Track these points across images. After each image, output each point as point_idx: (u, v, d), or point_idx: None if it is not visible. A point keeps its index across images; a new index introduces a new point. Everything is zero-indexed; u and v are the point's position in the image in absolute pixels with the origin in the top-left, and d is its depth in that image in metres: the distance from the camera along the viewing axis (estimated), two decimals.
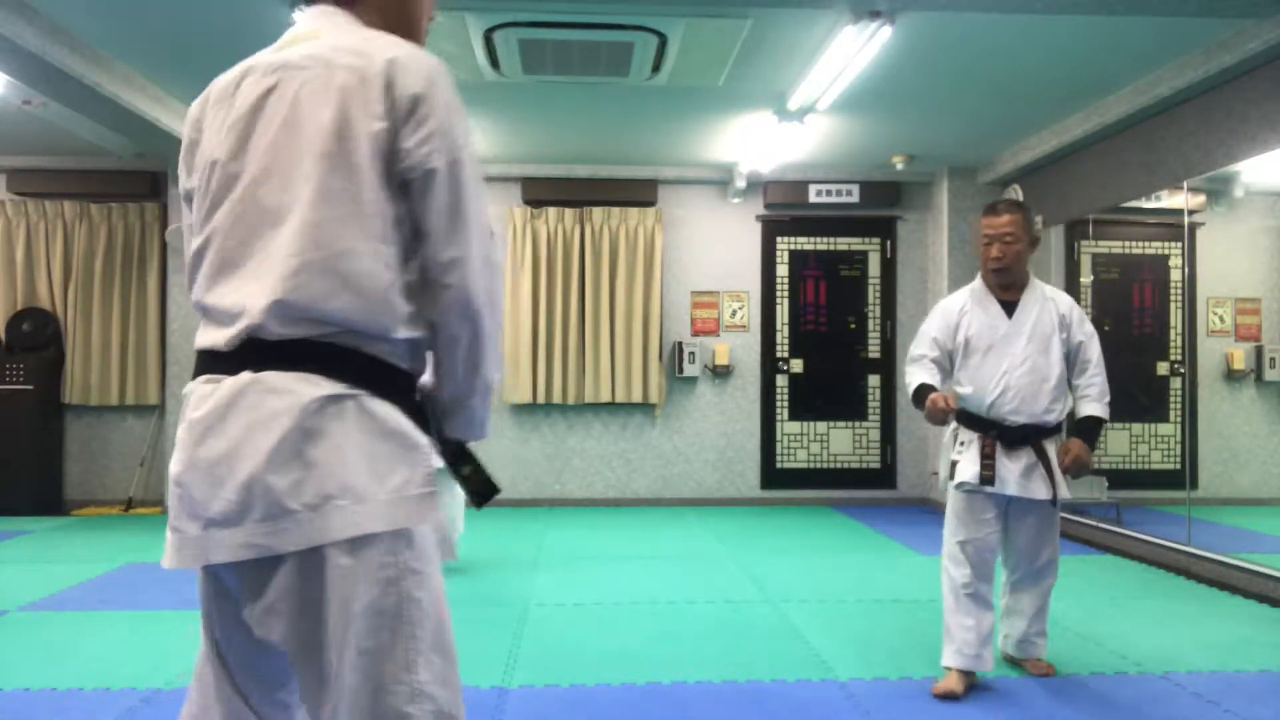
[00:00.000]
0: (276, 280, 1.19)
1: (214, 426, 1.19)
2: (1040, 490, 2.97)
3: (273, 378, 1.19)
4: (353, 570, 1.16)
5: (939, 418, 2.91)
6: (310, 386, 1.18)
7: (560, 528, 6.24)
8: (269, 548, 1.15)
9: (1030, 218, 3.09)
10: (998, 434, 3.00)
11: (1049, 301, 3.07)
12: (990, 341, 3.04)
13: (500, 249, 1.25)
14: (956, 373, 3.11)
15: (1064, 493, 3.00)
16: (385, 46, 1.26)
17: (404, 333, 1.24)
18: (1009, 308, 3.07)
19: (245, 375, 1.19)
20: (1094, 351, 3.06)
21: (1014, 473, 2.98)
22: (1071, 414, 3.10)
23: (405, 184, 1.23)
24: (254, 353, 1.20)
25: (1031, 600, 3.13)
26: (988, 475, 2.98)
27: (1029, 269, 3.12)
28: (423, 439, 1.25)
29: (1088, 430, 3.03)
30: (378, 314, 1.21)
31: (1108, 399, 3.05)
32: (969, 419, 3.08)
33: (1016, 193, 6.78)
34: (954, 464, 3.08)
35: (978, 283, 3.16)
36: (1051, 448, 3.01)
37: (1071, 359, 3.06)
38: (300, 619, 1.18)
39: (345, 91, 1.21)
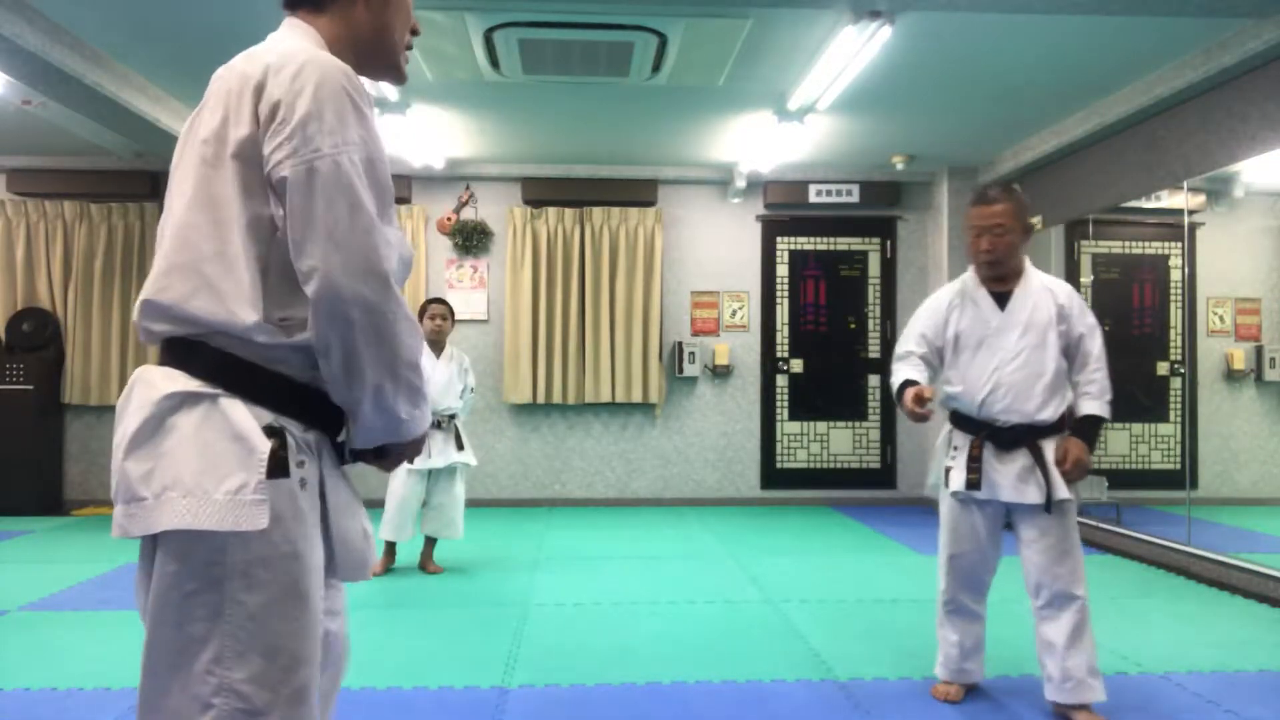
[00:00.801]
0: (149, 282, 1.28)
1: (118, 415, 1.30)
2: (1034, 494, 2.74)
3: (150, 372, 1.28)
4: (176, 561, 1.22)
5: (915, 411, 2.73)
6: (170, 382, 1.24)
7: (560, 528, 6.24)
8: (126, 530, 1.23)
9: (1023, 205, 2.84)
10: (988, 435, 2.80)
11: (1046, 291, 2.84)
12: (981, 336, 2.83)
13: (401, 259, 1.32)
14: (946, 370, 2.92)
15: (1061, 493, 2.74)
16: (277, 52, 1.27)
17: (275, 337, 1.25)
18: (1002, 300, 2.85)
19: (138, 370, 1.30)
20: (1096, 345, 2.82)
21: (1007, 477, 2.77)
22: (1071, 412, 2.87)
23: (274, 189, 1.24)
24: (160, 350, 1.31)
25: (1062, 628, 2.75)
26: (973, 479, 2.79)
27: (1024, 257, 2.89)
28: (262, 446, 1.22)
29: (1087, 430, 2.79)
30: (238, 316, 1.23)
31: (1109, 396, 2.81)
32: (962, 421, 2.89)
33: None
34: (947, 471, 2.89)
35: (969, 274, 2.94)
36: (1049, 449, 2.78)
37: (1071, 353, 2.82)
38: (149, 597, 1.26)
39: (228, 97, 1.26)
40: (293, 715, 1.25)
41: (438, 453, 4.63)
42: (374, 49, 1.38)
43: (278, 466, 1.23)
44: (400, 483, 4.66)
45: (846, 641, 3.57)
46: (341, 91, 1.23)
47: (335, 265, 1.18)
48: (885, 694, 3.00)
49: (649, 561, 5.10)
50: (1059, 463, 2.75)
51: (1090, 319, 2.85)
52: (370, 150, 1.25)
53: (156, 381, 1.25)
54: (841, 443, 7.50)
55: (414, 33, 1.48)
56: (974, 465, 2.80)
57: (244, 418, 1.23)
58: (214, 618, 1.21)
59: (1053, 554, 2.76)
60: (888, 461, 7.51)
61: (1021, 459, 2.78)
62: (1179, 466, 5.06)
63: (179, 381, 1.24)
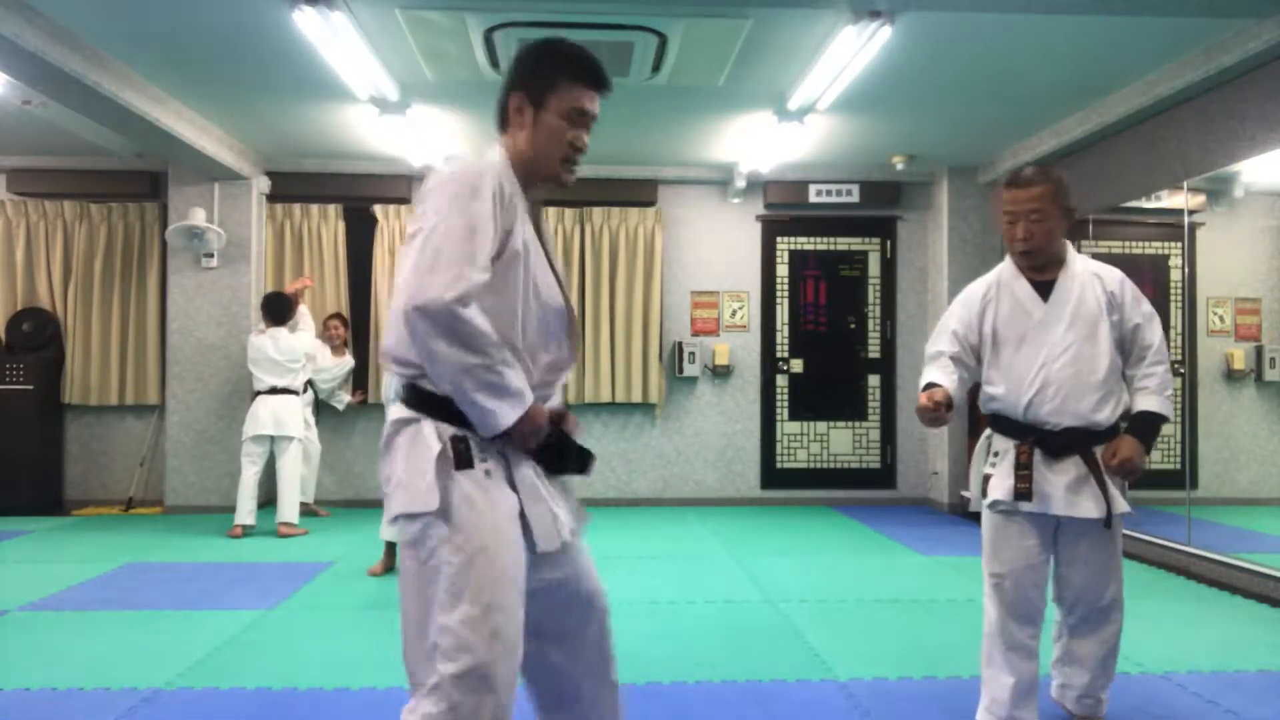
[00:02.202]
0: (386, 333, 1.79)
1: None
2: (1091, 508, 2.46)
3: (391, 408, 1.81)
4: (407, 539, 1.71)
5: (928, 416, 2.46)
6: (396, 412, 1.77)
7: None
8: (387, 513, 1.75)
9: (1063, 187, 2.56)
10: (1036, 440, 2.51)
11: (1093, 278, 2.56)
12: (1023, 330, 2.55)
13: (540, 300, 1.85)
14: (986, 370, 2.63)
15: (1121, 507, 2.49)
16: (457, 159, 1.78)
17: None
18: (1044, 290, 2.56)
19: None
20: (1154, 335, 2.54)
21: (1059, 487, 2.48)
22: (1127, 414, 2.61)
23: None
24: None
25: (1095, 649, 2.64)
26: (1024, 489, 2.48)
27: (1066, 243, 2.62)
28: (438, 449, 1.69)
29: (1143, 428, 2.51)
30: (413, 355, 1.69)
31: (1170, 391, 2.52)
32: (1004, 424, 2.60)
33: None
34: (986, 479, 2.60)
35: (1007, 263, 2.65)
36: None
37: (1126, 345, 2.55)
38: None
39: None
40: (491, 649, 1.63)
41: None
42: (533, 165, 1.86)
43: (465, 461, 1.68)
44: None
45: (846, 641, 3.57)
46: (459, 183, 1.70)
47: (407, 296, 1.62)
48: (885, 694, 3.00)
49: (649, 561, 5.10)
50: (1106, 460, 2.49)
51: (1146, 307, 2.58)
52: (472, 221, 1.66)
53: (391, 413, 1.79)
54: (841, 443, 7.50)
55: (576, 149, 1.88)
56: (1024, 474, 2.50)
57: (432, 433, 1.70)
58: (435, 576, 1.66)
59: (1097, 570, 2.58)
60: (888, 461, 7.51)
61: (1074, 468, 2.50)
62: (1179, 466, 5.06)
63: (400, 411, 1.76)
